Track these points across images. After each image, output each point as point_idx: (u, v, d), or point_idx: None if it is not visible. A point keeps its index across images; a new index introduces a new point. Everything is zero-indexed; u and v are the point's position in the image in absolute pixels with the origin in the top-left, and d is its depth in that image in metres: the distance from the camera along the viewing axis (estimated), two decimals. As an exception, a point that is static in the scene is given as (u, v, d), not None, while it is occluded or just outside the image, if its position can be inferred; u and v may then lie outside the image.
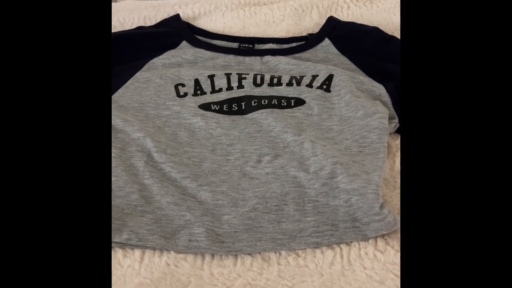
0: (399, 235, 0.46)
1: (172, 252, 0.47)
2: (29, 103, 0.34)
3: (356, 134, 0.55)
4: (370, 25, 0.69)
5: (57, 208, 0.33)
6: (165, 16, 0.73)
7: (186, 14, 0.74)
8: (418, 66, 0.36)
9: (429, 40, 0.36)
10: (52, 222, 0.33)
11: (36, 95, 0.35)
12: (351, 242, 0.47)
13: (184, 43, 0.68)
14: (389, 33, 0.67)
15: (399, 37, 0.66)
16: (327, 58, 0.66)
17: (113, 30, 0.72)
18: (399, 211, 0.49)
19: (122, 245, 0.47)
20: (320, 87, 0.61)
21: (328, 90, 0.60)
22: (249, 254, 0.47)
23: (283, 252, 0.47)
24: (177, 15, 0.73)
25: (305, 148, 0.54)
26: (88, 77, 0.36)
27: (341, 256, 0.45)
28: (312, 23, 0.72)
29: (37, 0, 0.35)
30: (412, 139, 0.35)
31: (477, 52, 0.35)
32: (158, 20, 0.73)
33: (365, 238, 0.47)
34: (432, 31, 0.36)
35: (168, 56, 0.66)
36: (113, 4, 0.78)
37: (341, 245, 0.46)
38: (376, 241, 0.46)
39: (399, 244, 0.45)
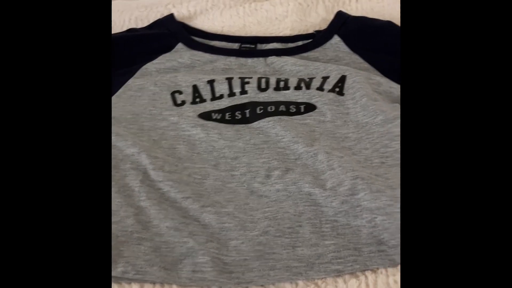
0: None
1: (174, 286, 0.41)
2: (22, 107, 0.33)
3: (376, 143, 0.50)
4: (383, 19, 0.64)
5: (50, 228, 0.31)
6: (158, 16, 0.69)
7: (180, 13, 0.69)
8: (418, 63, 0.34)
9: (430, 37, 0.34)
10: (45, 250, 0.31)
11: (30, 99, 0.33)
12: (378, 268, 0.41)
13: (179, 45, 0.63)
14: (404, 27, 0.62)
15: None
16: (337, 57, 0.60)
17: (102, 34, 0.67)
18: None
19: (117, 279, 0.42)
20: (332, 90, 0.55)
21: (341, 93, 0.55)
22: (262, 286, 0.41)
23: (300, 283, 0.41)
24: (171, 15, 0.68)
25: (319, 161, 0.48)
26: (86, 83, 0.34)
27: (367, 285, 0.40)
28: (318, 19, 0.67)
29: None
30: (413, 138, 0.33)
31: (480, 52, 0.34)
32: (151, 21, 0.68)
33: (394, 264, 0.41)
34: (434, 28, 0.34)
35: (162, 60, 0.61)
36: (102, 5, 0.72)
37: (366, 273, 0.41)
38: (405, 266, 0.41)
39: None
